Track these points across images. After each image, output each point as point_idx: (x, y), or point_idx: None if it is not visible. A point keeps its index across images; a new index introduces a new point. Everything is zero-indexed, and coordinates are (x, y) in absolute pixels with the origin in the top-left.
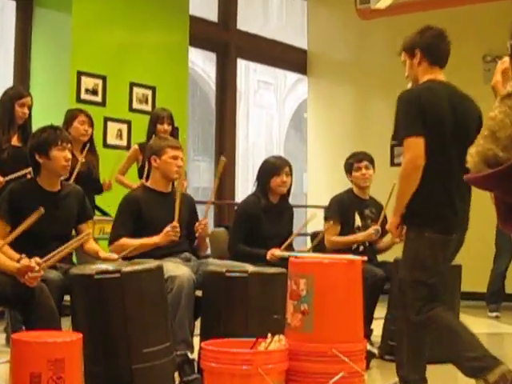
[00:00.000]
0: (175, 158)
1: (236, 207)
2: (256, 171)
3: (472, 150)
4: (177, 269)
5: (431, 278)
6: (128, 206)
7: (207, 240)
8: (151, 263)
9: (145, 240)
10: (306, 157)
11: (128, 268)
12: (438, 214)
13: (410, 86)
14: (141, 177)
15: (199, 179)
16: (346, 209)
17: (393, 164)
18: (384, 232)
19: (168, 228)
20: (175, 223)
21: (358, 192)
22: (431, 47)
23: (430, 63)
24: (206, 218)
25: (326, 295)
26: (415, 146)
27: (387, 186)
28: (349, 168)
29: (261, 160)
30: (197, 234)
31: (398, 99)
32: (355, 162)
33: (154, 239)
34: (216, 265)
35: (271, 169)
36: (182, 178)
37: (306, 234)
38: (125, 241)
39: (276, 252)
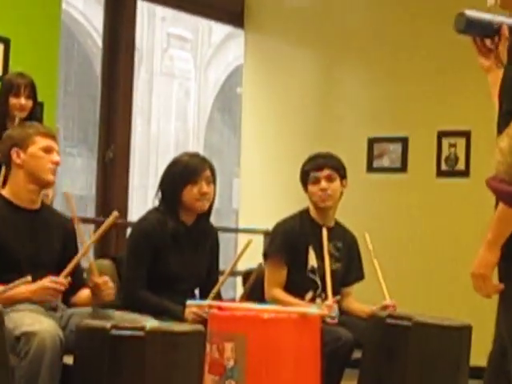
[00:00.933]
0: (49, 150)
1: (130, 230)
2: (161, 175)
3: (503, 143)
4: (35, 321)
5: None
6: None
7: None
8: None
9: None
10: (239, 155)
11: None
12: None
13: (491, 1)
14: None
15: (73, 182)
16: (295, 241)
17: (371, 169)
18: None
19: (48, 282)
20: (61, 279)
21: (316, 215)
22: None
23: None
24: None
25: (265, 367)
26: None
27: (361, 203)
28: (304, 178)
29: (168, 158)
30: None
31: None
32: (312, 169)
33: (23, 293)
34: (96, 316)
35: (184, 173)
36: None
37: (234, 274)
38: None
39: (190, 304)
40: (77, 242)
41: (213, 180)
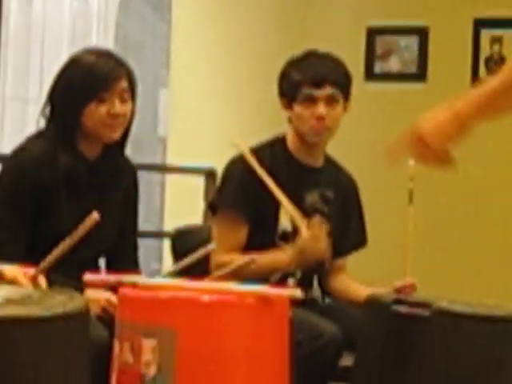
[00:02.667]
0: None
1: (5, 164)
2: (50, 82)
3: None
4: None
5: None
6: None
7: None
8: None
9: None
10: (168, 52)
11: None
12: None
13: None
14: None
15: None
16: (261, 189)
17: (371, 76)
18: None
19: None
20: None
21: (297, 149)
22: None
23: None
24: None
25: (204, 376)
26: None
27: (357, 127)
28: (288, 92)
29: (60, 57)
30: None
31: None
32: (306, 83)
33: None
34: None
35: (87, 83)
36: None
37: (161, 234)
38: None
39: (89, 279)
40: None
41: (131, 95)
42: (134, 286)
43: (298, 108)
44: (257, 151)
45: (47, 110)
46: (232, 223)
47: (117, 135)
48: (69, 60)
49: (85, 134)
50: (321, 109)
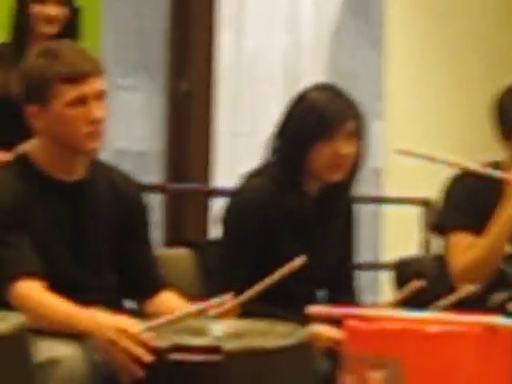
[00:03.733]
0: (82, 101)
1: (217, 202)
2: (279, 118)
3: None
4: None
5: None
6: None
7: None
8: None
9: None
10: (382, 84)
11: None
12: None
13: None
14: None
15: (127, 129)
16: (481, 209)
17: None
18: None
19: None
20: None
21: None
22: None
23: None
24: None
25: None
26: None
27: None
28: (505, 130)
29: (272, 92)
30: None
31: None
32: None
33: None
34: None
35: (316, 122)
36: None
37: (378, 266)
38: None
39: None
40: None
41: (358, 133)
42: (359, 318)
43: None
44: (466, 177)
45: (273, 146)
46: (464, 238)
47: (338, 176)
48: (300, 97)
49: (307, 173)
50: None
